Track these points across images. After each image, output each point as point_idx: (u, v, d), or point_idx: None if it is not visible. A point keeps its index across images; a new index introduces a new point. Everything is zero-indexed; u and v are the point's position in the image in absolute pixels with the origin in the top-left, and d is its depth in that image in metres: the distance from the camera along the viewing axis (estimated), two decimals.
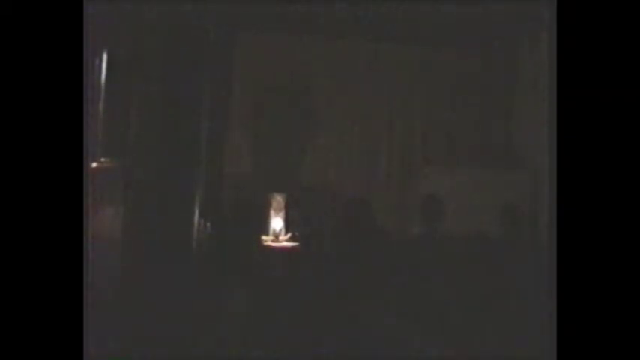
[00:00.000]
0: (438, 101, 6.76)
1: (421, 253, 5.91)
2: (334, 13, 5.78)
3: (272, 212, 6.06)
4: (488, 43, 6.59)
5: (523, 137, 6.52)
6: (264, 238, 6.00)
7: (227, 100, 6.47)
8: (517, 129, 6.68)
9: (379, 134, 6.78)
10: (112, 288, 4.08)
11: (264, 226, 6.07)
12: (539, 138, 5.36)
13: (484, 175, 6.25)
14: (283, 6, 5.57)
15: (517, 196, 6.11)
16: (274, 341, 3.92)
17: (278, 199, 6.08)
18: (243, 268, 5.37)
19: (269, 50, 6.53)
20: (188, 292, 4.59)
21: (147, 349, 3.53)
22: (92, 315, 2.28)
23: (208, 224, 5.58)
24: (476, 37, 6.32)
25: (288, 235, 6.04)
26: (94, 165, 4.14)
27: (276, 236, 6.00)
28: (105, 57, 4.31)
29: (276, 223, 6.03)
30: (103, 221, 4.21)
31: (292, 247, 5.92)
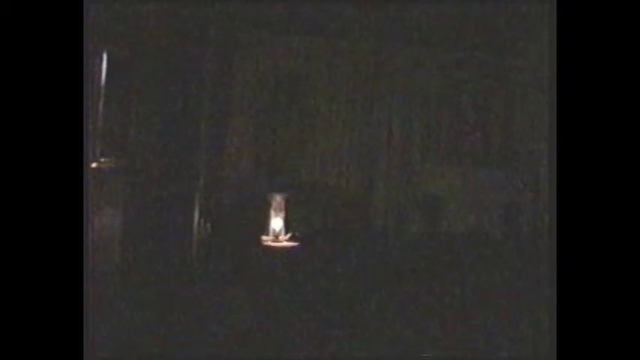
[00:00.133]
0: (439, 101, 6.75)
1: (421, 252, 5.92)
2: (334, 14, 5.78)
3: (272, 212, 6.05)
4: (489, 43, 6.58)
5: (523, 137, 6.52)
6: (264, 238, 6.00)
7: (227, 100, 6.47)
8: (517, 129, 6.68)
9: (379, 134, 6.78)
10: (112, 288, 4.08)
11: (264, 226, 6.07)
12: (539, 139, 5.36)
13: (484, 175, 6.25)
14: (283, 6, 5.57)
15: (517, 196, 6.12)
16: (274, 341, 3.92)
17: (278, 199, 6.08)
18: (243, 268, 5.37)
19: (269, 50, 6.53)
20: (188, 292, 4.60)
21: (147, 349, 3.53)
22: (92, 315, 2.28)
23: (208, 224, 5.58)
24: (476, 37, 6.32)
25: (288, 235, 6.04)
26: (94, 165, 4.15)
27: (276, 236, 6.00)
28: (105, 57, 4.31)
29: (276, 223, 6.02)
30: (103, 221, 4.21)
31: (292, 247, 5.91)
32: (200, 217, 5.16)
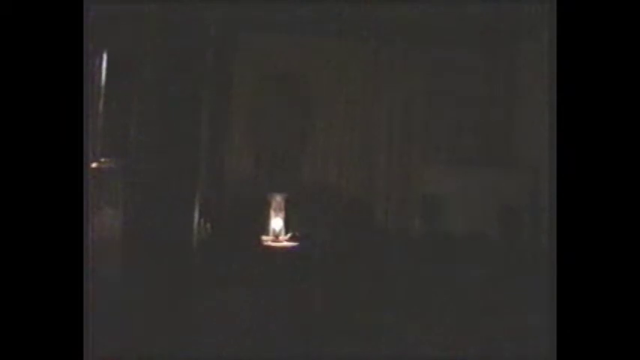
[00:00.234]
0: (438, 101, 6.75)
1: (421, 252, 5.92)
2: (334, 14, 5.78)
3: (272, 212, 6.05)
4: (489, 43, 6.58)
5: (523, 137, 6.52)
6: (264, 238, 6.00)
7: (227, 100, 6.47)
8: (517, 129, 6.68)
9: (379, 134, 6.78)
10: (112, 288, 4.07)
11: (264, 226, 6.07)
12: (540, 138, 5.36)
13: (484, 175, 6.25)
14: (283, 6, 5.57)
15: (517, 196, 6.11)
16: (274, 341, 3.92)
17: (278, 199, 6.08)
18: (243, 268, 5.37)
19: (269, 50, 6.53)
20: (188, 292, 4.59)
21: (147, 350, 3.53)
22: (92, 315, 2.28)
23: (208, 224, 5.58)
24: (476, 37, 6.32)
25: (288, 235, 6.04)
26: (94, 165, 4.15)
27: (276, 236, 6.00)
28: (105, 57, 4.31)
29: (276, 223, 6.03)
30: (103, 221, 4.21)
31: (292, 247, 5.92)
32: (200, 217, 5.16)
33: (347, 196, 6.53)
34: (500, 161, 6.66)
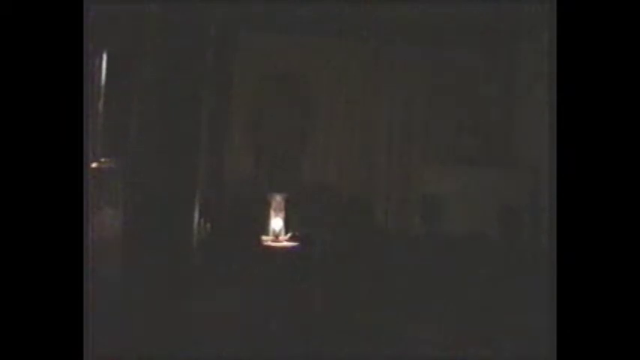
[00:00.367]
0: (439, 101, 6.75)
1: (421, 252, 5.92)
2: (334, 14, 5.78)
3: (272, 212, 6.05)
4: (489, 43, 6.58)
5: (523, 137, 6.52)
6: (264, 238, 6.00)
7: (227, 100, 6.47)
8: (517, 129, 6.68)
9: (379, 134, 6.78)
10: (112, 288, 4.07)
11: (264, 226, 6.07)
12: (540, 138, 5.35)
13: (484, 175, 6.25)
14: (283, 6, 5.57)
15: (517, 196, 6.11)
16: (274, 341, 3.92)
17: (278, 199, 6.08)
18: (243, 268, 5.37)
19: (269, 50, 6.53)
20: (188, 292, 4.59)
21: (147, 350, 3.53)
22: (92, 315, 2.28)
23: (208, 224, 5.58)
24: (476, 37, 6.32)
25: (288, 235, 6.04)
26: (94, 165, 4.14)
27: (276, 236, 6.00)
28: (105, 57, 4.31)
29: (276, 223, 6.03)
30: (103, 221, 4.21)
31: (292, 247, 5.91)
32: (200, 217, 5.16)
33: (347, 196, 6.53)
34: (500, 161, 6.66)
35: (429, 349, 3.86)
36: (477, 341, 3.96)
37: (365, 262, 5.58)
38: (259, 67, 6.55)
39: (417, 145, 6.80)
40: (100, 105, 4.31)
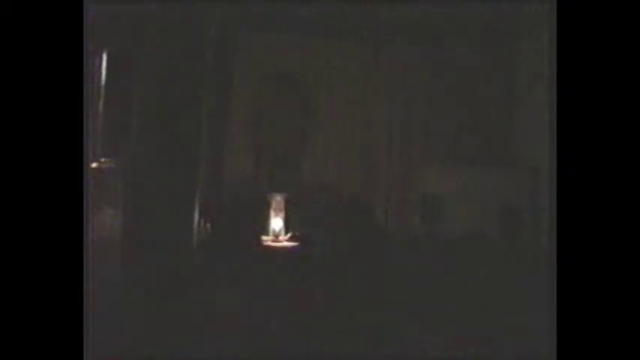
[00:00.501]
0: (438, 101, 6.75)
1: (421, 252, 5.92)
2: (334, 14, 5.78)
3: (272, 212, 6.05)
4: (489, 43, 6.58)
5: (523, 137, 6.52)
6: (264, 238, 5.99)
7: (227, 100, 6.46)
8: (517, 129, 6.68)
9: (379, 134, 6.77)
10: (112, 288, 4.07)
11: (264, 226, 6.07)
12: (540, 138, 5.35)
13: (484, 175, 6.25)
14: (283, 6, 5.57)
15: (517, 196, 6.11)
16: (274, 341, 3.92)
17: (278, 199, 6.08)
18: (243, 268, 5.37)
19: (269, 50, 6.52)
20: (188, 292, 4.59)
21: (147, 350, 3.53)
22: (92, 315, 2.28)
23: (208, 224, 5.58)
24: (476, 37, 6.32)
25: (288, 235, 6.03)
26: (94, 165, 4.15)
27: (276, 236, 6.00)
28: (105, 57, 4.31)
29: (276, 223, 6.02)
30: (103, 221, 4.21)
31: (292, 247, 5.91)
32: (200, 217, 5.15)
33: (347, 196, 6.52)
34: (500, 161, 6.66)
35: (429, 349, 3.86)
36: (476, 341, 3.96)
37: (365, 262, 5.57)
38: (259, 67, 6.54)
39: (417, 145, 6.79)
40: (100, 105, 4.31)
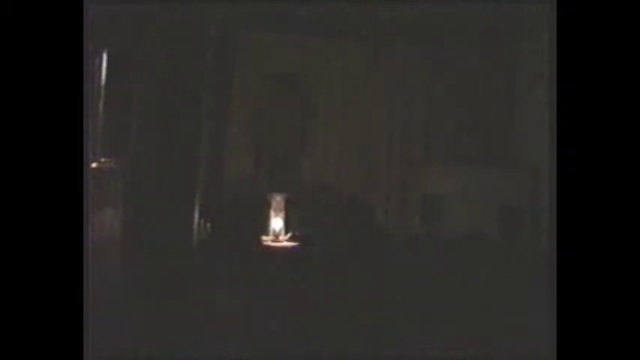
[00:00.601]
0: (438, 101, 6.76)
1: (421, 252, 5.92)
2: (334, 14, 5.78)
3: (272, 212, 6.05)
4: (489, 43, 6.58)
5: (523, 137, 6.52)
6: (264, 238, 6.00)
7: (227, 100, 6.47)
8: (517, 129, 6.68)
9: (379, 134, 6.78)
10: (112, 288, 4.08)
11: (264, 226, 6.07)
12: (540, 138, 5.36)
13: (484, 175, 6.25)
14: (283, 6, 5.57)
15: (517, 196, 6.11)
16: (274, 341, 3.92)
17: (278, 199, 6.08)
18: (243, 268, 5.37)
19: (269, 50, 6.52)
20: (188, 292, 4.59)
21: (147, 350, 3.53)
22: (92, 315, 2.28)
23: (208, 224, 5.58)
24: (476, 37, 6.32)
25: (288, 235, 6.04)
26: (94, 165, 4.15)
27: (276, 236, 6.00)
28: (105, 57, 4.31)
29: (276, 223, 6.03)
30: (103, 221, 4.21)
31: (292, 247, 5.92)
32: (200, 217, 5.16)
33: (347, 196, 6.53)
34: (500, 161, 6.66)
35: (429, 349, 3.86)
36: (476, 341, 3.96)
37: (365, 262, 5.58)
38: (259, 67, 6.54)
39: (417, 145, 6.80)
40: (100, 105, 4.31)
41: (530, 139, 6.24)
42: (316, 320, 4.40)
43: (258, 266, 5.53)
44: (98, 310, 2.52)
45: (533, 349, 3.30)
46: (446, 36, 6.26)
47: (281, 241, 5.96)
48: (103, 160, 4.32)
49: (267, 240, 5.96)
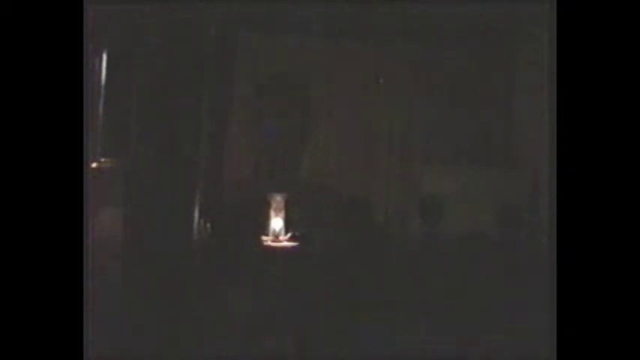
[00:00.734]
0: (438, 101, 6.75)
1: (421, 252, 5.92)
2: (334, 14, 5.78)
3: (272, 212, 6.05)
4: (489, 43, 6.58)
5: (523, 137, 6.52)
6: (264, 238, 5.99)
7: (227, 100, 6.46)
8: (517, 129, 6.68)
9: (379, 134, 6.77)
10: (112, 288, 4.08)
11: (264, 226, 6.06)
12: (540, 138, 5.36)
13: (484, 175, 6.25)
14: (283, 6, 5.57)
15: (517, 196, 6.11)
16: (274, 341, 3.92)
17: (278, 199, 6.08)
18: (243, 268, 5.37)
19: (269, 50, 6.52)
20: (188, 293, 4.59)
21: (147, 350, 3.53)
22: (92, 315, 2.28)
23: (208, 224, 5.58)
24: (476, 37, 6.32)
25: (288, 235, 6.03)
26: (94, 165, 4.15)
27: (276, 236, 6.00)
28: (105, 57, 4.31)
29: (276, 223, 6.02)
30: (103, 221, 4.21)
31: (292, 247, 5.91)
32: (200, 217, 5.16)
33: (347, 196, 6.52)
34: (500, 161, 6.66)
35: (429, 348, 3.86)
36: (476, 341, 3.96)
37: (365, 261, 5.57)
38: (259, 67, 6.54)
39: (417, 145, 6.79)
40: (100, 105, 4.31)
41: (530, 139, 6.24)
42: (316, 320, 4.40)
43: (258, 266, 5.53)
44: (98, 310, 2.52)
45: (533, 349, 3.31)
46: (446, 36, 6.26)
47: (281, 241, 5.96)
48: (103, 160, 4.32)
49: (267, 240, 5.96)
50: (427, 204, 5.74)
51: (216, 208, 5.95)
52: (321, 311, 4.64)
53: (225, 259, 5.41)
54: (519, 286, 4.87)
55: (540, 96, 5.13)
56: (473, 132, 6.81)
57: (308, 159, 6.71)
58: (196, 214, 4.98)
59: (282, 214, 6.04)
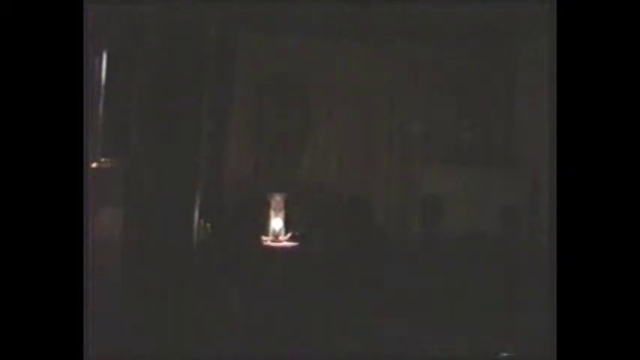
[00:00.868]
0: (438, 101, 6.76)
1: (421, 252, 5.92)
2: (334, 14, 5.78)
3: (272, 212, 6.05)
4: (489, 43, 6.58)
5: (523, 137, 6.52)
6: (264, 238, 6.00)
7: (227, 100, 6.47)
8: (517, 129, 6.68)
9: (379, 134, 6.77)
10: (112, 288, 4.08)
11: (264, 226, 6.07)
12: (539, 138, 5.36)
13: (484, 175, 6.25)
14: (283, 6, 5.57)
15: (517, 196, 6.12)
16: (274, 341, 3.92)
17: (278, 199, 6.08)
18: (243, 268, 5.37)
19: (269, 50, 6.52)
20: (188, 292, 4.60)
21: (147, 350, 3.53)
22: (92, 315, 2.28)
23: (208, 224, 5.58)
24: (476, 37, 6.32)
25: (288, 235, 6.04)
26: (94, 165, 4.15)
27: (276, 236, 6.00)
28: (105, 57, 4.31)
29: (276, 223, 6.02)
30: (103, 221, 4.21)
31: (292, 247, 5.91)
32: (200, 217, 5.16)
33: (347, 196, 6.53)
34: (500, 161, 6.66)
35: (429, 348, 3.86)
36: (476, 341, 3.97)
37: (365, 261, 5.58)
38: (259, 67, 6.54)
39: (417, 145, 6.79)
40: (100, 105, 4.31)
41: (530, 139, 6.24)
42: (316, 320, 4.40)
43: (258, 266, 5.53)
44: (98, 310, 2.52)
45: (533, 349, 3.31)
46: (446, 36, 6.26)
47: (281, 241, 5.96)
48: (103, 160, 4.32)
49: (267, 240, 5.96)
50: (427, 204, 5.76)
51: (216, 208, 5.95)
52: (321, 311, 4.64)
53: (225, 259, 5.42)
54: (519, 285, 4.87)
55: (540, 96, 5.14)
56: (473, 132, 6.81)
57: (308, 159, 6.71)
58: (196, 214, 4.99)
59: (282, 214, 6.04)
